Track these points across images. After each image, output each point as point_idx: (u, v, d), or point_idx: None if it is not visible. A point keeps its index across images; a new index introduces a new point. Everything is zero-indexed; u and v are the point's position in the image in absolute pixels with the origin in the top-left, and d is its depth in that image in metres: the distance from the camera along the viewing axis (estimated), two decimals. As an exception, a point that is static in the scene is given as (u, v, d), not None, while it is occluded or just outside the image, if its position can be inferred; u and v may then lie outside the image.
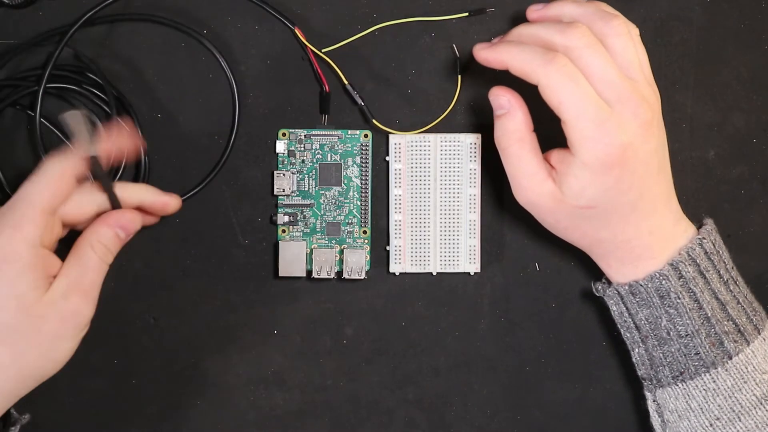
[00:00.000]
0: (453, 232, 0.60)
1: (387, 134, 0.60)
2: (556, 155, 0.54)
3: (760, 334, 0.55)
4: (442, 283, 0.62)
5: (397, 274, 0.61)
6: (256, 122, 0.61)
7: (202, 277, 0.61)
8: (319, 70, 0.60)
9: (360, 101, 0.60)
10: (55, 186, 0.50)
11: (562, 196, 0.54)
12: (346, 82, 0.60)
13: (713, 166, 0.62)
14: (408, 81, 0.61)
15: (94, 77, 0.59)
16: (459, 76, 0.61)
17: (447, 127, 0.61)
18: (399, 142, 0.60)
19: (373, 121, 0.60)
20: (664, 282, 0.54)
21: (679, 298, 0.54)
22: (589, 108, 0.52)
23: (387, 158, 0.61)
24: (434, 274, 0.61)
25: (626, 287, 0.55)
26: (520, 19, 0.61)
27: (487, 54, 0.55)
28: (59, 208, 0.51)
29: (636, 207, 0.54)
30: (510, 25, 0.61)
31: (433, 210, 0.60)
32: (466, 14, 0.61)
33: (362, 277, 0.60)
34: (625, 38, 0.53)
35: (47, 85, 0.58)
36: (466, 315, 0.62)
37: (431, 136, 0.60)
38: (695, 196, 0.62)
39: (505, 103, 0.54)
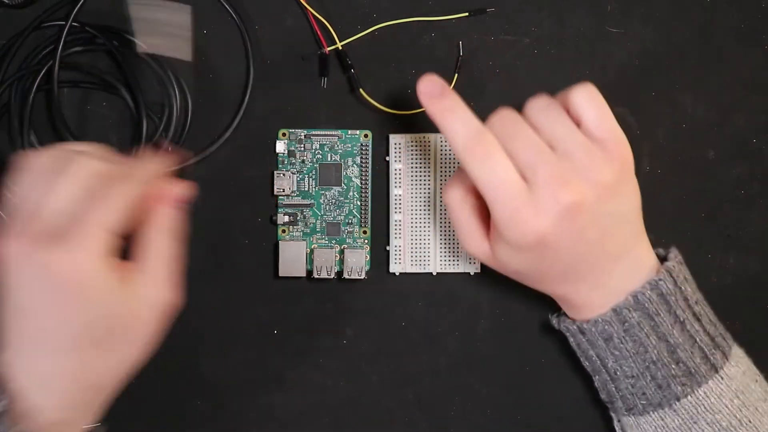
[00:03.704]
0: (453, 232, 0.60)
1: (387, 134, 0.61)
2: (493, 225, 0.53)
3: (717, 372, 0.53)
4: (442, 283, 0.62)
5: (397, 274, 0.61)
6: (256, 122, 0.61)
7: (202, 277, 0.61)
8: (318, 31, 0.60)
9: (351, 69, 0.60)
10: (126, 211, 0.47)
11: (493, 258, 0.54)
12: (340, 47, 0.60)
13: (713, 166, 0.62)
14: (408, 81, 0.61)
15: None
16: (456, 74, 0.60)
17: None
18: (399, 142, 0.60)
19: (360, 90, 0.60)
20: (606, 327, 0.53)
21: (622, 343, 0.53)
22: (500, 195, 0.50)
23: (387, 158, 0.61)
24: (434, 274, 0.61)
25: (575, 326, 0.55)
26: (520, 19, 0.61)
27: (429, 105, 0.52)
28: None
29: (567, 275, 0.53)
30: (508, 25, 0.61)
31: (433, 210, 0.60)
32: (466, 14, 0.61)
33: (362, 277, 0.60)
34: (545, 112, 0.51)
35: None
36: (466, 315, 0.62)
37: (431, 136, 0.60)
38: (695, 196, 0.62)
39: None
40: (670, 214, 0.62)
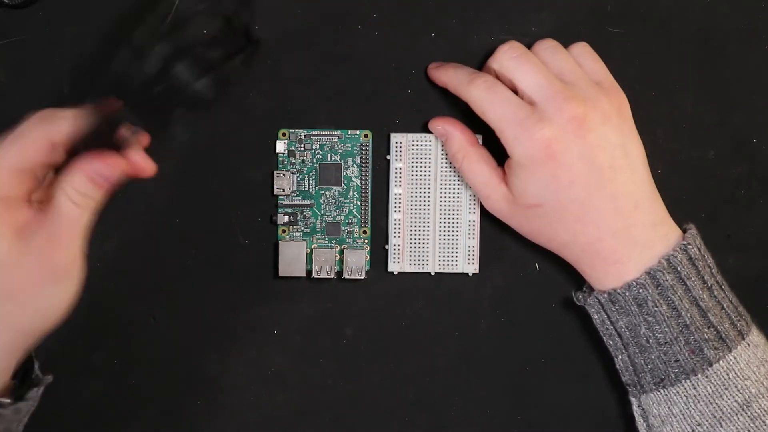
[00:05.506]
0: (452, 232, 0.60)
1: (388, 133, 0.61)
2: (507, 161, 0.56)
3: (744, 339, 0.54)
4: (443, 283, 0.62)
5: (395, 273, 0.61)
6: (256, 122, 0.61)
7: (202, 277, 0.61)
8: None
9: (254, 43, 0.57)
10: (30, 151, 0.49)
11: (513, 197, 0.56)
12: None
13: (713, 166, 0.62)
14: (408, 81, 0.61)
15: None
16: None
17: (447, 127, 0.61)
18: (400, 141, 0.60)
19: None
20: (641, 291, 0.54)
21: (657, 307, 0.54)
22: (506, 110, 0.54)
23: (387, 157, 0.61)
24: (432, 274, 0.61)
25: (606, 295, 0.55)
26: (520, 19, 0.61)
27: (433, 73, 0.59)
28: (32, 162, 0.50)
29: (587, 206, 0.54)
30: (508, 25, 0.61)
31: (432, 210, 0.60)
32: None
33: (362, 277, 0.60)
34: (551, 49, 0.56)
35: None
36: (466, 315, 0.62)
37: (432, 136, 0.60)
38: (695, 196, 0.62)
39: (441, 131, 0.59)
40: (670, 214, 0.61)
